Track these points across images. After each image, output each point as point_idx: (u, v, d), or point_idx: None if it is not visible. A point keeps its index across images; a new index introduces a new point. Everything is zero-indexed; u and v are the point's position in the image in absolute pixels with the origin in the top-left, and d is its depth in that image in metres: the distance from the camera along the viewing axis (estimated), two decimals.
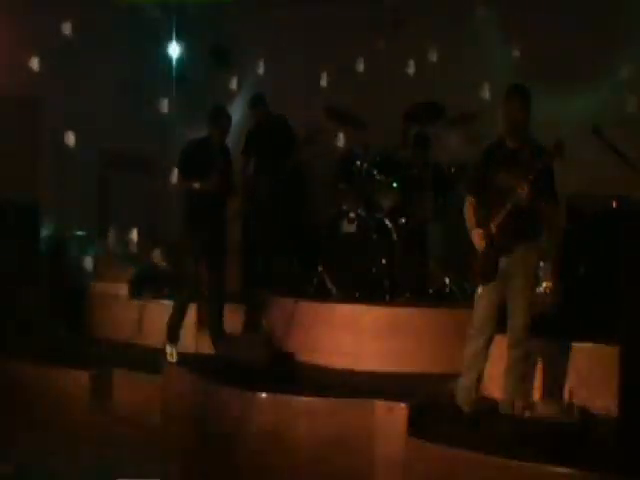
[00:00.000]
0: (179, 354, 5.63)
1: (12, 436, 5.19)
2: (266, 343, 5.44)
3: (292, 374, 4.76)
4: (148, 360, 5.80)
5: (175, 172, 5.79)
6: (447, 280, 5.91)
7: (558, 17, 6.77)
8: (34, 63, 7.79)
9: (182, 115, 9.19)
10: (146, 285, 7.25)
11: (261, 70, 8.71)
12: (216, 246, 5.74)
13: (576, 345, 4.82)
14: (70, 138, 7.97)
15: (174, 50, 9.18)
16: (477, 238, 4.33)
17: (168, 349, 5.62)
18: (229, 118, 5.83)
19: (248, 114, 7.51)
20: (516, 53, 7.09)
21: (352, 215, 5.95)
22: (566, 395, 4.60)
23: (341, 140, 6.62)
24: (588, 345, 4.78)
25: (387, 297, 5.68)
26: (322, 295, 5.87)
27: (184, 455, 4.90)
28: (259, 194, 6.91)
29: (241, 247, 7.18)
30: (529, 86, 4.35)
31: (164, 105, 9.34)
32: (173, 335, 5.68)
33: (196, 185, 5.57)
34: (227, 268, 5.96)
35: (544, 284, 5.75)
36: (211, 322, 5.83)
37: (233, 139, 6.61)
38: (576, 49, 6.76)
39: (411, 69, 7.44)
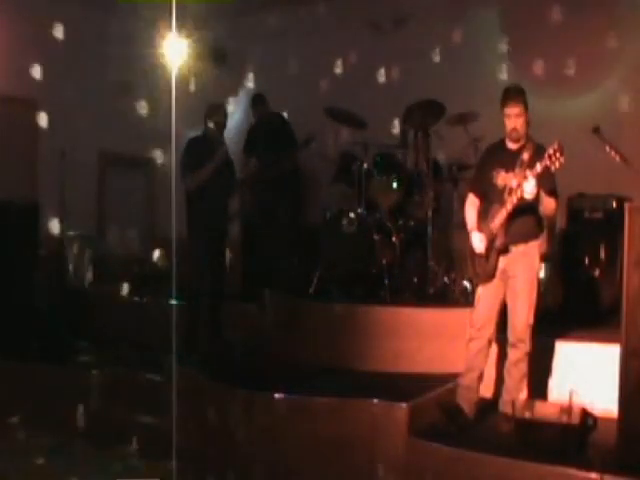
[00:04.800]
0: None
1: None
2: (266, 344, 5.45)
3: (293, 374, 4.76)
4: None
5: (179, 173, 5.75)
6: (447, 280, 5.91)
7: (558, 16, 6.78)
8: (34, 64, 7.78)
9: (182, 115, 9.20)
10: (147, 285, 7.26)
11: (260, 69, 8.72)
12: (216, 245, 5.73)
13: (576, 345, 4.83)
14: (70, 138, 7.97)
15: (174, 49, 9.19)
16: (477, 238, 4.34)
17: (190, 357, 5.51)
18: (225, 113, 5.87)
19: (248, 113, 7.52)
20: (516, 53, 7.09)
21: (352, 215, 5.94)
22: (566, 395, 4.60)
23: (341, 140, 6.60)
24: (588, 345, 4.79)
25: (387, 297, 5.68)
26: (322, 295, 5.87)
27: (183, 455, 4.90)
28: (259, 193, 6.90)
29: (241, 247, 7.18)
30: (527, 86, 4.37)
31: (164, 105, 9.35)
32: (192, 342, 5.63)
33: (206, 172, 5.56)
34: (226, 268, 5.96)
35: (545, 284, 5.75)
36: (209, 321, 5.82)
37: (233, 139, 6.62)
38: (576, 48, 6.77)
39: (411, 69, 7.43)
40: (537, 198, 4.13)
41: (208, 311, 5.82)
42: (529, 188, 4.04)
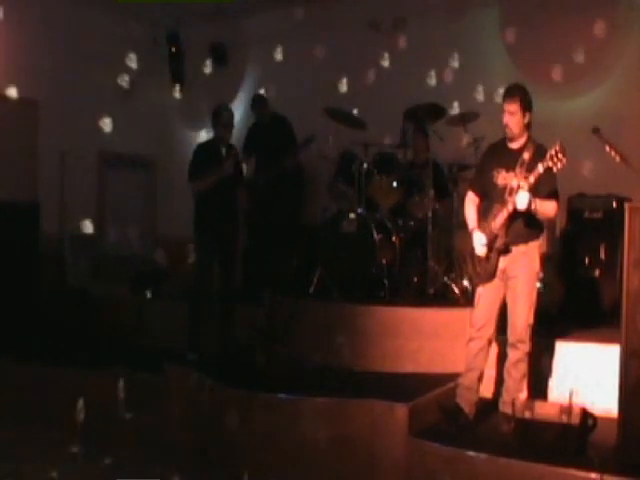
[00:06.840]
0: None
1: None
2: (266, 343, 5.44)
3: (292, 374, 4.76)
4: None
5: (186, 176, 5.76)
6: (447, 280, 5.91)
7: (558, 16, 6.78)
8: (34, 64, 7.78)
9: (182, 115, 9.21)
10: (147, 284, 7.25)
11: (260, 69, 8.72)
12: (227, 245, 5.72)
13: (576, 345, 4.83)
14: (70, 138, 7.97)
15: (174, 50, 9.19)
16: (477, 238, 4.33)
17: (190, 357, 5.56)
18: (232, 113, 5.89)
19: (249, 114, 7.53)
20: (516, 53, 7.09)
21: (352, 215, 5.94)
22: (566, 395, 4.60)
23: (341, 140, 6.60)
24: (588, 345, 4.79)
25: (387, 297, 5.68)
26: (322, 295, 5.87)
27: (184, 455, 4.90)
28: (259, 193, 6.90)
29: (242, 247, 7.18)
30: (527, 86, 4.37)
31: (164, 105, 9.36)
32: (194, 342, 5.66)
33: (213, 177, 5.56)
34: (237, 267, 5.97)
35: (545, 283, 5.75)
36: (220, 322, 5.82)
37: (233, 139, 6.61)
38: (577, 48, 6.76)
39: (411, 69, 7.43)
40: (534, 209, 4.11)
41: (221, 313, 5.82)
42: (521, 200, 4.04)
